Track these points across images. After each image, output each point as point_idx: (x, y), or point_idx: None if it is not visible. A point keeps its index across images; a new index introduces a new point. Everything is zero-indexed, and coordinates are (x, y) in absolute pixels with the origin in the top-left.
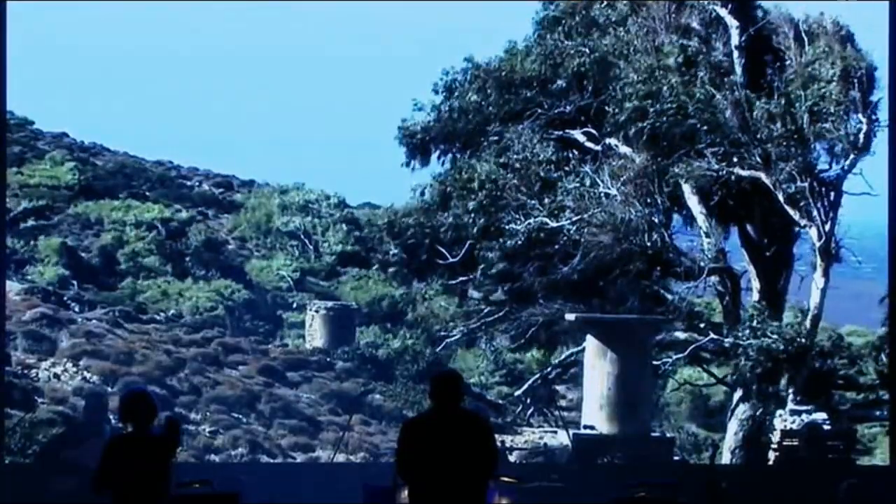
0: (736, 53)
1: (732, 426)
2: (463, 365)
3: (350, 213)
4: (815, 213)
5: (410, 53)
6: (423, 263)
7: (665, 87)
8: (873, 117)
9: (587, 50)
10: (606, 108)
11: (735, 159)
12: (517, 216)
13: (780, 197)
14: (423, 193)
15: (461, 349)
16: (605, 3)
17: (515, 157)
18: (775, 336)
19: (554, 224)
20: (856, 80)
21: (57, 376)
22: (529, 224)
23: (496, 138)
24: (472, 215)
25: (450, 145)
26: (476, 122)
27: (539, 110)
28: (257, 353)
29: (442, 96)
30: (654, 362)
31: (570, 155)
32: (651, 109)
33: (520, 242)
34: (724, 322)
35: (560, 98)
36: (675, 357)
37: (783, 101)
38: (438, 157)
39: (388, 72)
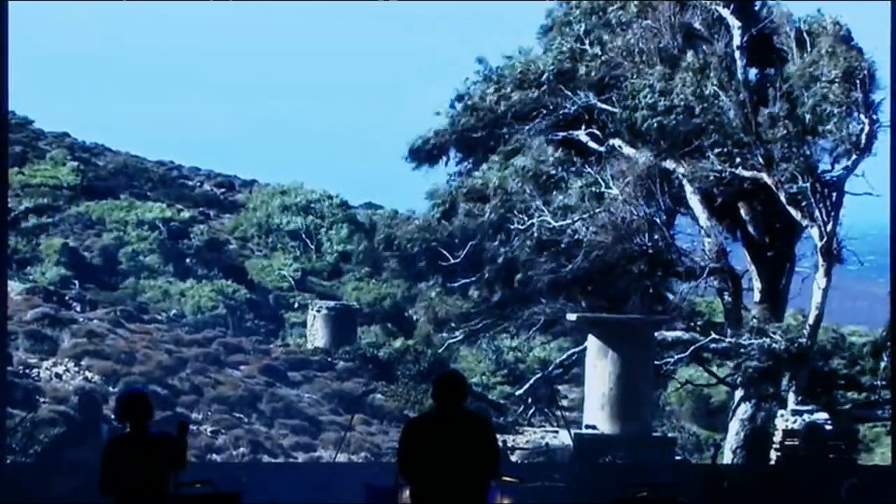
0: (738, 53)
1: (734, 426)
2: (465, 365)
3: (352, 212)
4: (816, 213)
5: (415, 48)
6: (425, 267)
7: (679, 86)
8: (874, 117)
9: (596, 51)
10: (612, 108)
11: (738, 160)
12: (521, 216)
13: (782, 197)
14: (431, 199)
15: (463, 349)
16: (618, 5)
17: (523, 160)
18: (777, 336)
19: (557, 224)
20: (857, 81)
21: (58, 376)
22: (533, 224)
23: (506, 140)
24: (483, 220)
25: (461, 150)
26: (486, 124)
27: (544, 111)
28: (259, 352)
29: (459, 104)
30: (656, 362)
31: (574, 156)
32: (660, 106)
33: (524, 242)
34: (726, 322)
35: (565, 99)
36: (676, 357)
37: (785, 102)
38: (446, 164)
39: (391, 71)
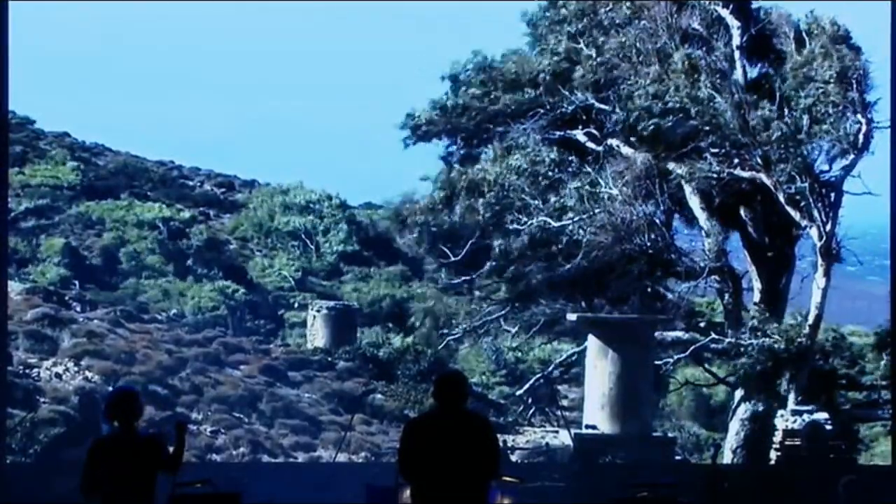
0: (737, 54)
1: (734, 426)
2: (465, 365)
3: (351, 213)
4: (815, 213)
5: (415, 48)
6: (428, 264)
7: (672, 89)
8: (870, 117)
9: (592, 53)
10: (608, 108)
11: (736, 161)
12: (520, 216)
13: (781, 197)
14: (431, 181)
15: (463, 348)
16: (610, 6)
17: (520, 158)
18: (776, 336)
19: (556, 224)
20: (854, 81)
21: (58, 376)
22: (532, 224)
23: (500, 136)
24: (478, 215)
25: (454, 139)
26: (479, 119)
27: (541, 110)
28: (259, 352)
29: (448, 88)
30: (656, 362)
31: (572, 156)
32: (656, 109)
33: (523, 242)
34: (726, 322)
35: (563, 98)
36: (676, 357)
37: (783, 103)
38: (445, 149)
39: (391, 71)
